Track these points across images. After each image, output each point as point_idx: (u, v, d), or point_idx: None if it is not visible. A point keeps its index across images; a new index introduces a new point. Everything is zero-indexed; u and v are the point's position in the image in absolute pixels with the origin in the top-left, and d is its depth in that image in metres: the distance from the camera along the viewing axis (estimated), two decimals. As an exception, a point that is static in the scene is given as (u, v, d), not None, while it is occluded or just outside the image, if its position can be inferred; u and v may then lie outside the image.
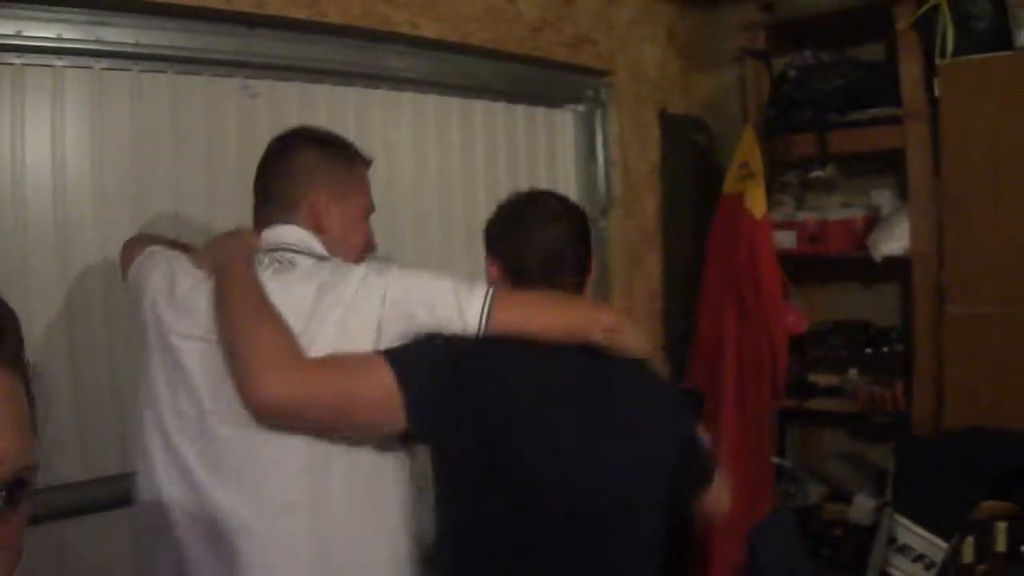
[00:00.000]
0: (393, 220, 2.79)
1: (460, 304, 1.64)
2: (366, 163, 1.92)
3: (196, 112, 2.37)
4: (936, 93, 3.16)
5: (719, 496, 2.03)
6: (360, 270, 1.67)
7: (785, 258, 3.56)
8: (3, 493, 0.76)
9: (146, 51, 2.25)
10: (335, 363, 1.56)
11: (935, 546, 2.91)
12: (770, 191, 3.55)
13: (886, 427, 3.46)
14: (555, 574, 1.72)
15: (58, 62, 2.12)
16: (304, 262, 1.70)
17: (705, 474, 1.99)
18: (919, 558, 2.93)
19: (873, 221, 3.55)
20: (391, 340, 1.61)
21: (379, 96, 2.83)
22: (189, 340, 1.62)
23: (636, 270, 3.71)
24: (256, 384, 1.49)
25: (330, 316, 1.59)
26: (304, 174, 1.78)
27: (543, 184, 3.28)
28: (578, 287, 1.89)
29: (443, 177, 3.03)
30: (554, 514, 1.69)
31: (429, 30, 2.81)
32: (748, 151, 3.50)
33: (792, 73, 3.55)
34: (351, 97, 2.74)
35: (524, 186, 3.04)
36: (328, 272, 1.67)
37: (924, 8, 3.13)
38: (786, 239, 3.60)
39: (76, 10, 2.12)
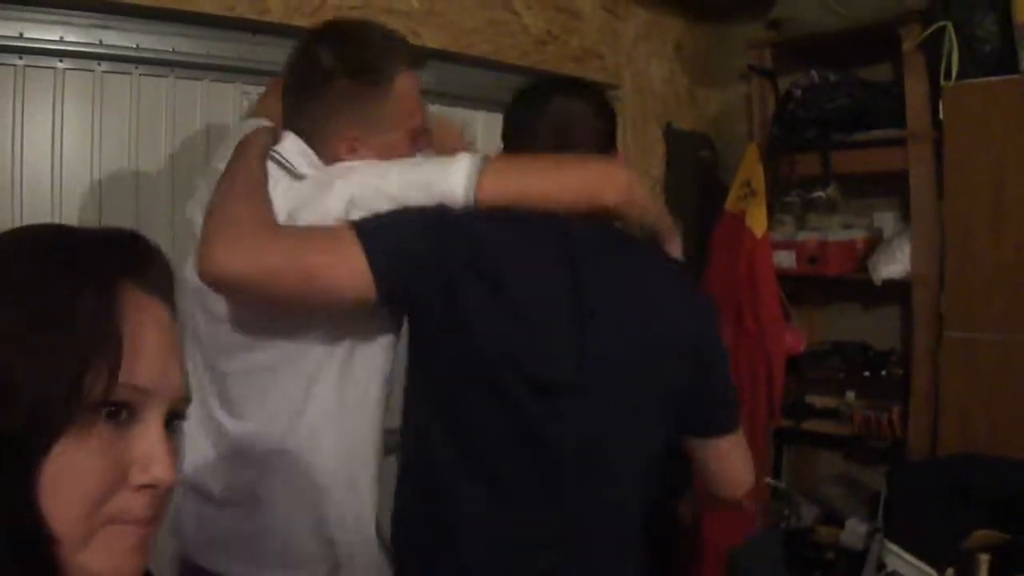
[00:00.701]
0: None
1: (438, 182, 1.55)
2: (410, 76, 1.73)
3: (196, 117, 2.44)
4: (941, 115, 3.20)
5: (735, 463, 1.84)
6: (339, 168, 1.62)
7: (784, 278, 3.60)
8: (175, 423, 0.84)
9: (147, 55, 2.32)
10: (299, 233, 1.51)
11: (924, 574, 2.92)
12: (772, 210, 3.60)
13: (882, 451, 3.50)
14: (530, 472, 1.62)
15: (60, 64, 2.19)
16: (283, 180, 1.61)
17: (722, 411, 1.82)
18: (907, 585, 2.94)
19: (875, 243, 3.58)
20: None
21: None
22: None
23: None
24: (208, 256, 1.43)
25: (312, 209, 1.54)
26: (332, 110, 1.66)
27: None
28: None
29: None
30: (534, 409, 1.58)
31: (431, 40, 2.87)
32: (751, 169, 3.55)
33: (797, 92, 3.58)
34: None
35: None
36: (302, 193, 1.58)
37: (930, 29, 3.17)
38: (786, 259, 3.64)
39: (78, 13, 2.19)
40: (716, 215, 3.66)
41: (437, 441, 1.62)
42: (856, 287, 3.62)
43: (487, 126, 3.21)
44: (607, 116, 1.81)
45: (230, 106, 2.51)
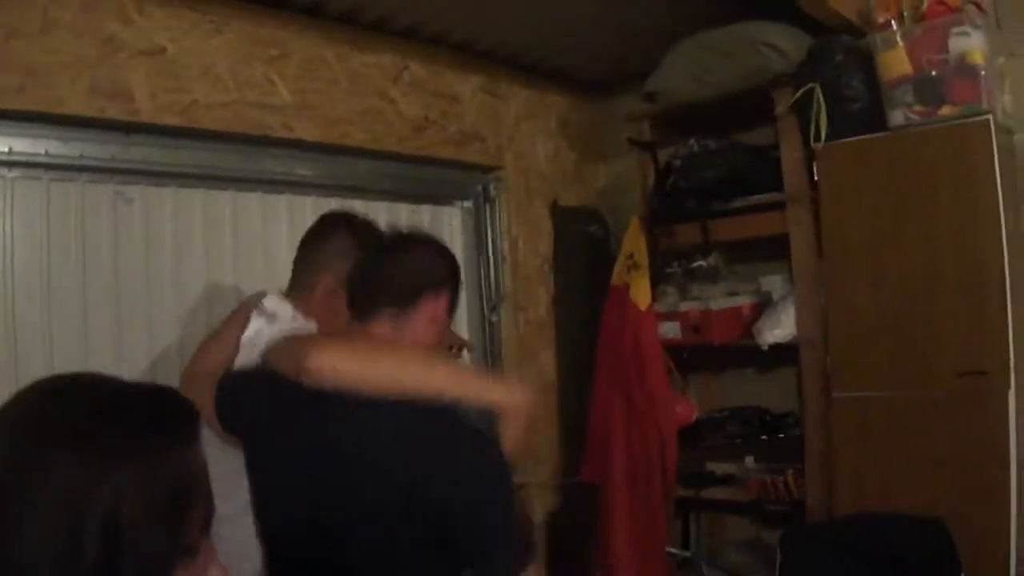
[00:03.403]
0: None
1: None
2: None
3: (71, 218, 2.60)
4: (816, 176, 3.39)
5: None
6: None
7: (672, 348, 3.79)
8: None
9: (20, 159, 2.51)
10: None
11: None
12: (655, 282, 3.79)
13: (785, 514, 3.64)
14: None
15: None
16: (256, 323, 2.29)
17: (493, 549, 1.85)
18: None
19: (761, 308, 3.78)
20: None
21: (256, 199, 3.07)
22: None
23: (529, 364, 3.95)
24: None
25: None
26: (324, 261, 2.37)
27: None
28: (397, 317, 1.95)
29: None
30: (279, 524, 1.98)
31: (304, 132, 3.07)
32: (634, 242, 3.76)
33: (677, 163, 3.78)
34: (227, 200, 2.98)
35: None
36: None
37: (800, 92, 3.36)
38: (671, 330, 3.82)
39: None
40: (607, 290, 3.84)
41: None
42: (750, 352, 3.77)
43: (366, 214, 3.35)
44: (417, 261, 2.06)
45: (105, 207, 2.67)
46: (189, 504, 1.03)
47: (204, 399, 2.04)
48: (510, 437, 1.98)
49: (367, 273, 2.00)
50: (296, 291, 2.38)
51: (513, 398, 2.00)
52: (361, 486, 1.81)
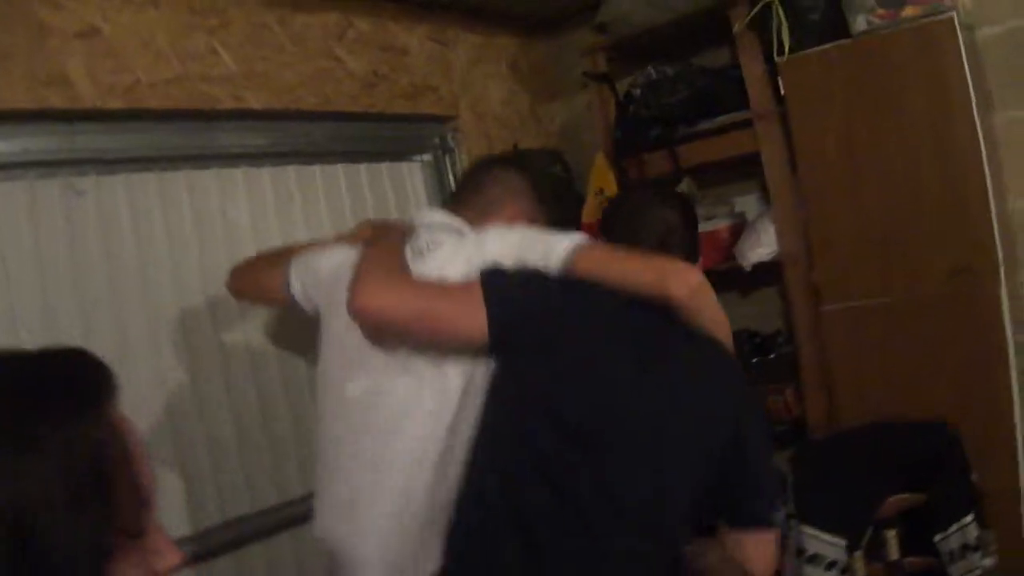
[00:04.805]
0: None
1: (547, 250, 2.04)
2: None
3: (19, 217, 2.50)
4: (782, 91, 3.36)
5: (756, 562, 2.04)
6: (489, 233, 2.19)
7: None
8: None
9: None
10: (433, 287, 2.08)
11: (842, 550, 3.04)
12: (631, 214, 3.73)
13: (786, 434, 3.63)
14: (572, 503, 1.91)
15: None
16: (448, 240, 2.23)
17: (754, 502, 2.05)
18: (831, 565, 3.05)
19: (740, 229, 3.76)
20: None
21: (212, 176, 2.98)
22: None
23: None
24: (359, 297, 1.98)
25: (459, 264, 2.11)
26: (512, 191, 2.38)
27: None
28: None
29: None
30: (593, 448, 1.93)
31: (254, 101, 2.98)
32: (602, 177, 3.74)
33: (637, 92, 3.74)
34: (183, 180, 2.89)
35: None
36: (467, 241, 2.21)
37: (757, 7, 3.34)
38: None
39: None
40: (579, 228, 3.77)
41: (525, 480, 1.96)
42: (731, 276, 3.75)
43: (324, 179, 3.35)
44: (694, 225, 2.31)
45: (55, 201, 2.58)
46: (115, 481, 0.94)
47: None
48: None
49: (665, 224, 2.21)
50: (472, 211, 2.35)
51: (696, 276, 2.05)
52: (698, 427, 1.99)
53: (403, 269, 2.11)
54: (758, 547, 2.04)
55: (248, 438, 2.95)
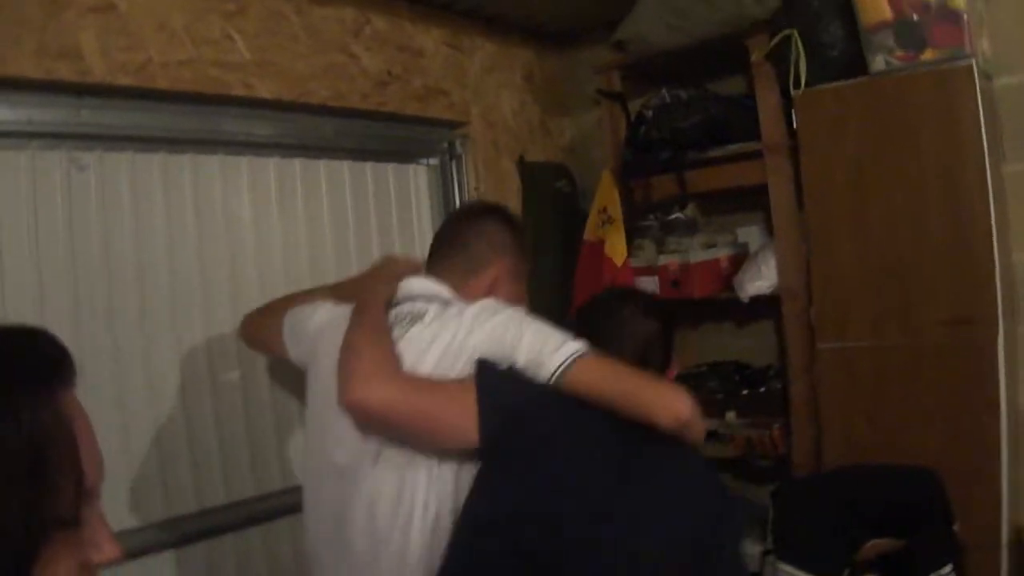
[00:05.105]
0: (236, 288, 2.95)
1: (541, 357, 2.00)
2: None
3: (21, 187, 2.48)
4: (795, 124, 3.35)
5: None
6: (473, 310, 2.11)
7: (651, 303, 3.73)
8: None
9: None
10: (429, 384, 2.01)
11: None
12: (632, 236, 3.76)
13: (770, 469, 3.63)
14: None
15: None
16: (431, 309, 2.16)
17: None
18: (806, 604, 3.05)
19: (740, 260, 3.74)
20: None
21: (216, 162, 2.96)
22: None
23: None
24: (356, 386, 1.93)
25: (440, 343, 2.05)
26: (497, 246, 2.32)
27: (396, 242, 3.51)
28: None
29: (288, 241, 3.16)
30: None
31: (265, 90, 2.97)
32: (607, 196, 3.71)
33: (649, 113, 3.73)
34: (187, 164, 2.87)
35: (376, 247, 3.24)
36: (450, 313, 2.13)
37: (776, 39, 3.33)
38: (649, 284, 3.77)
39: None
40: (579, 246, 3.81)
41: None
42: (728, 306, 3.75)
43: (328, 175, 3.34)
44: (671, 335, 2.34)
45: (57, 175, 2.56)
46: (55, 466, 0.93)
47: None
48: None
49: (645, 337, 2.26)
50: (455, 273, 2.30)
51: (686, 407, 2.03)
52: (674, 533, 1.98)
53: (395, 354, 2.06)
54: None
55: (230, 429, 2.93)
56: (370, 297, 2.23)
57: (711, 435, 3.75)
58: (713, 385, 3.83)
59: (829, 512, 3.10)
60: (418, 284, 2.28)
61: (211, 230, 2.91)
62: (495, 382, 2.00)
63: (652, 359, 2.23)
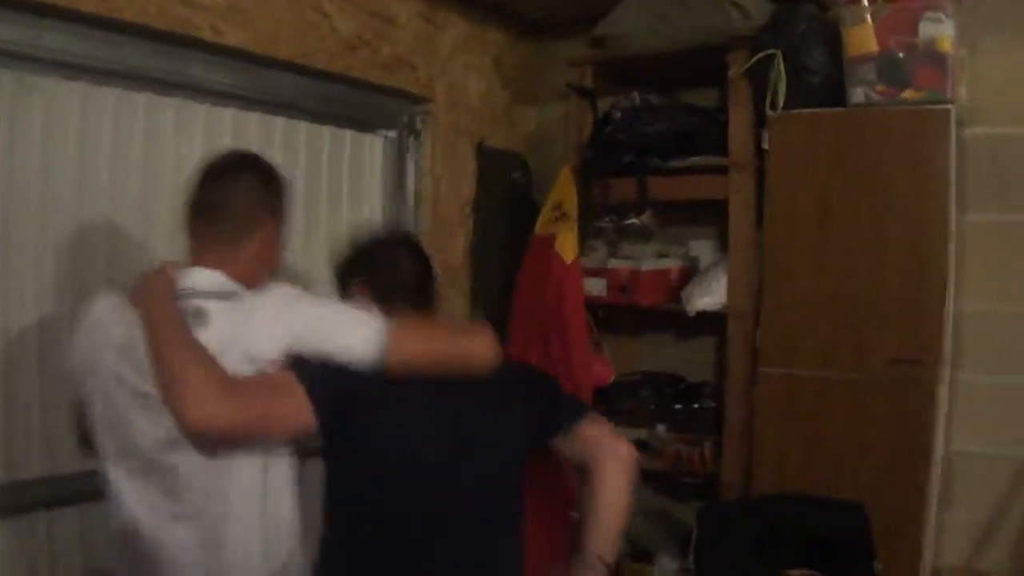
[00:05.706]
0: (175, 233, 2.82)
1: (350, 342, 1.96)
2: None
3: None
4: (764, 145, 3.34)
5: (604, 434, 2.33)
6: (268, 301, 1.99)
7: (595, 305, 3.72)
8: None
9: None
10: (256, 387, 1.92)
11: None
12: (585, 236, 3.72)
13: (696, 487, 3.63)
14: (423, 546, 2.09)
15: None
16: (215, 307, 1.95)
17: (566, 407, 2.36)
18: (719, 627, 3.04)
19: (689, 272, 3.74)
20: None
21: (172, 105, 2.87)
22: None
23: (439, 311, 3.79)
24: (190, 413, 1.79)
25: (236, 350, 1.91)
26: (261, 204, 2.07)
27: (345, 212, 3.44)
28: (429, 315, 2.32)
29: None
30: (420, 494, 2.10)
31: (232, 38, 2.87)
32: (564, 192, 3.67)
33: (617, 114, 3.68)
34: (141, 102, 2.78)
35: (322, 212, 3.15)
36: (239, 309, 1.97)
37: (757, 56, 3.31)
38: (596, 286, 3.75)
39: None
40: (528, 239, 3.76)
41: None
42: (671, 317, 3.74)
43: (285, 133, 3.26)
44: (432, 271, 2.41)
45: (5, 94, 2.45)
46: None
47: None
48: None
49: (420, 273, 2.35)
50: (217, 247, 2.03)
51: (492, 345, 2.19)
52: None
53: (210, 356, 1.88)
54: (594, 426, 2.34)
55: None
56: (155, 302, 1.94)
57: (639, 445, 3.73)
58: (646, 394, 3.82)
59: (752, 537, 3.11)
60: (194, 276, 1.99)
61: (157, 174, 2.82)
62: (315, 367, 1.98)
63: (423, 295, 2.35)
